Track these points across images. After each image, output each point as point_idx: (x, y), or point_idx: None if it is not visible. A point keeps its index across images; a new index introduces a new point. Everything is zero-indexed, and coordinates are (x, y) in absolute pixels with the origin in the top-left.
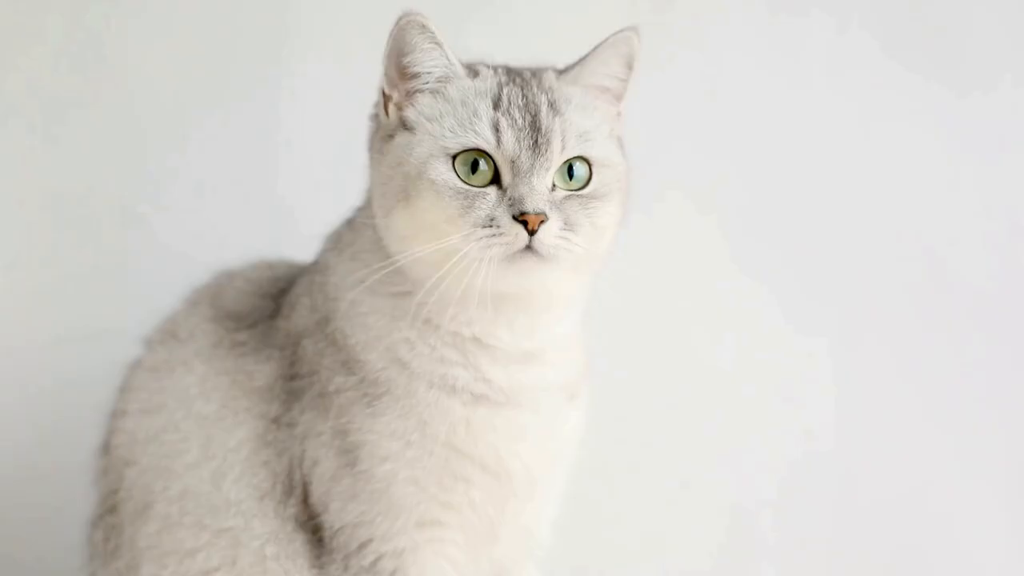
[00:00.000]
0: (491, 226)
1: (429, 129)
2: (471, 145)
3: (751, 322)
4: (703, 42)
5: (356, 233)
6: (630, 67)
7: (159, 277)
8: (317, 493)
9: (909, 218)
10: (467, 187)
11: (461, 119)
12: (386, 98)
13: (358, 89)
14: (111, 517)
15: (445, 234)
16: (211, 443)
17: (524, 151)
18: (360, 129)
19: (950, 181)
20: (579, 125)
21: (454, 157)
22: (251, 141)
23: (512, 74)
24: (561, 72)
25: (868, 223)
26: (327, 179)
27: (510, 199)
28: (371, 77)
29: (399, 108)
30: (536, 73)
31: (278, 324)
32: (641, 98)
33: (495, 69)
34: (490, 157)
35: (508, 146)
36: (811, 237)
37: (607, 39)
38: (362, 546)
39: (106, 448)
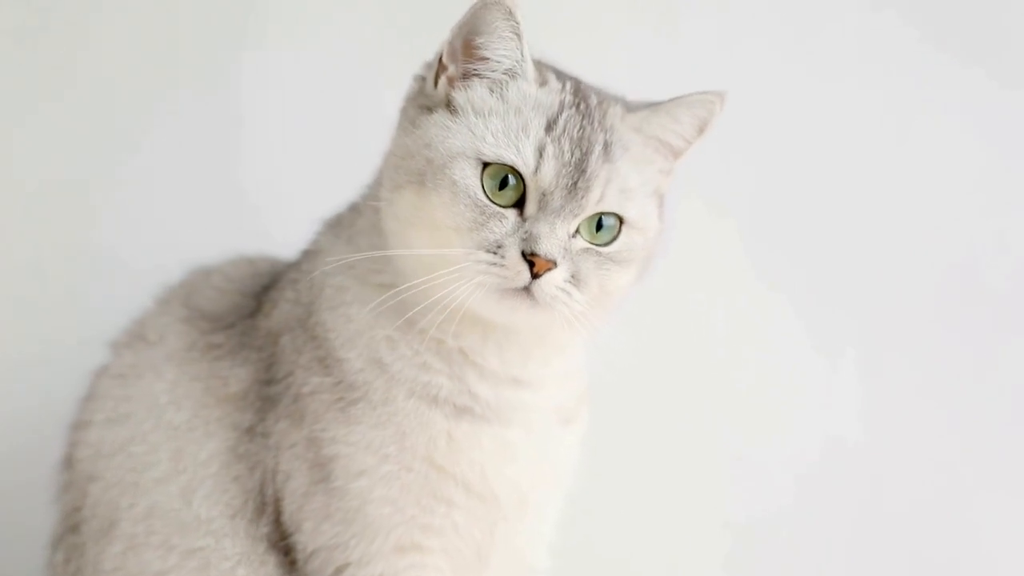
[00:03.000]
0: (495, 253)
1: (472, 123)
2: (507, 161)
3: (772, 331)
4: (717, 27)
5: (357, 214)
6: (701, 131)
7: (119, 276)
8: (289, 511)
9: (942, 220)
10: (487, 202)
11: (508, 127)
12: (441, 67)
13: (324, 75)
14: (73, 537)
15: (446, 241)
16: (181, 456)
17: (559, 189)
18: (327, 118)
19: (988, 181)
20: (626, 179)
21: (485, 165)
22: (211, 131)
23: (579, 95)
24: (630, 110)
25: (897, 225)
26: (291, 171)
27: (526, 233)
28: (338, 63)
29: (450, 83)
30: (603, 104)
31: (258, 323)
32: (646, 91)
33: (564, 83)
34: (522, 180)
35: (545, 178)
36: (835, 241)
37: (688, 96)
38: (338, 571)
39: (68, 462)
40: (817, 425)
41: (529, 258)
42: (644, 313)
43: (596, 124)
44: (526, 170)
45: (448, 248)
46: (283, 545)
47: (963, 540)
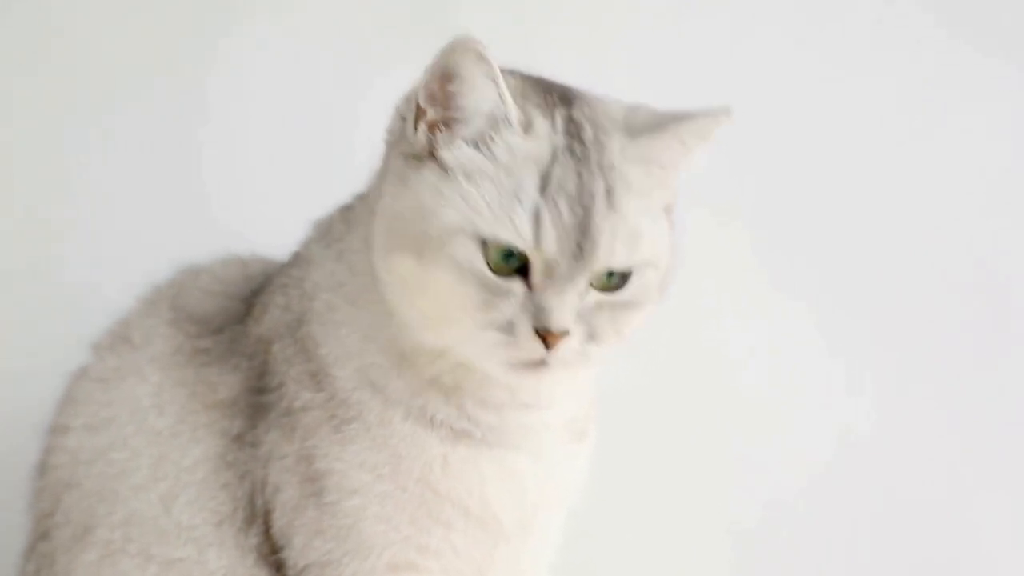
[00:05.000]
0: (506, 332)
1: (464, 191)
2: (504, 240)
3: (781, 333)
4: (721, 23)
5: (349, 228)
6: (705, 141)
7: (75, 288)
8: (279, 524)
9: (956, 219)
10: (492, 278)
11: (501, 194)
12: (420, 111)
13: (304, 68)
14: (43, 544)
15: (455, 321)
16: (163, 462)
17: (564, 256)
18: (306, 114)
19: (1005, 180)
20: (633, 222)
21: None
22: (179, 129)
23: (571, 134)
24: (630, 134)
25: (911, 224)
26: (259, 169)
27: (536, 307)
28: (321, 55)
29: (432, 131)
30: (599, 136)
31: (248, 328)
32: (648, 91)
33: (553, 118)
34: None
35: (547, 248)
36: (846, 240)
37: (694, 118)
38: None
39: (42, 468)
40: (828, 429)
41: (542, 334)
42: (652, 317)
43: (594, 167)
44: (526, 246)
45: (455, 325)
46: (273, 559)
47: (978, 545)
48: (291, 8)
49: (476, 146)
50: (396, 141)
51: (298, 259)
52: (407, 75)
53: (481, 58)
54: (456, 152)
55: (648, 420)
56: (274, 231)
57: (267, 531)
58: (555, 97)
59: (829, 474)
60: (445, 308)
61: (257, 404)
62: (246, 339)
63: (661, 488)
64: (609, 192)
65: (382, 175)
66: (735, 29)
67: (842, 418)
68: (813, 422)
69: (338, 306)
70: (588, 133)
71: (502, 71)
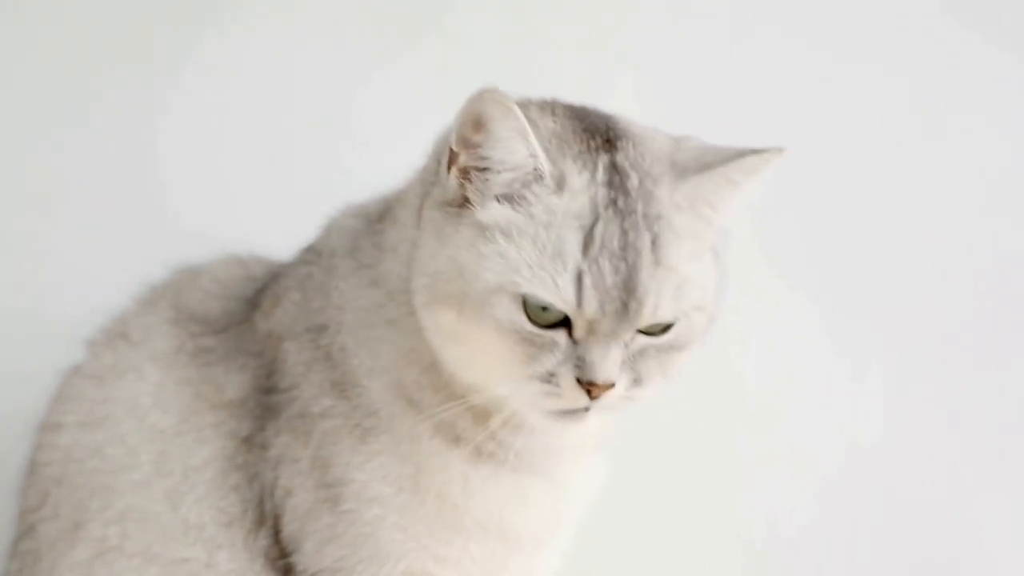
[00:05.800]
0: (550, 382)
1: (503, 249)
2: (545, 301)
3: (790, 335)
4: (719, 14)
5: (382, 255)
6: (758, 179)
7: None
8: (289, 528)
9: (969, 221)
10: (535, 331)
11: (542, 255)
12: (452, 155)
13: (291, 64)
14: (27, 541)
15: (497, 372)
16: (167, 459)
17: (608, 317)
18: (290, 112)
19: (1017, 180)
20: (681, 272)
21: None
22: (161, 132)
23: (614, 185)
24: (678, 174)
25: (922, 226)
26: (250, 171)
27: (579, 359)
28: (310, 49)
29: (464, 178)
30: (645, 183)
31: (255, 324)
32: (650, 89)
33: (594, 167)
34: None
35: (590, 310)
36: (856, 241)
37: (747, 158)
38: None
39: (32, 466)
40: (835, 432)
41: (586, 386)
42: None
43: (640, 220)
44: (568, 308)
45: (498, 376)
46: (281, 564)
47: (985, 547)
48: (283, 5)
49: (511, 203)
50: (430, 184)
51: (317, 259)
52: (403, 75)
53: (508, 112)
54: (491, 211)
55: (653, 424)
56: (267, 232)
57: (276, 535)
58: (599, 141)
59: (836, 477)
60: (487, 361)
61: (267, 405)
62: (253, 335)
63: (668, 492)
64: (655, 245)
65: (418, 218)
66: (735, 29)
67: (848, 421)
68: (819, 425)
69: (375, 324)
70: (633, 181)
71: (544, 106)
